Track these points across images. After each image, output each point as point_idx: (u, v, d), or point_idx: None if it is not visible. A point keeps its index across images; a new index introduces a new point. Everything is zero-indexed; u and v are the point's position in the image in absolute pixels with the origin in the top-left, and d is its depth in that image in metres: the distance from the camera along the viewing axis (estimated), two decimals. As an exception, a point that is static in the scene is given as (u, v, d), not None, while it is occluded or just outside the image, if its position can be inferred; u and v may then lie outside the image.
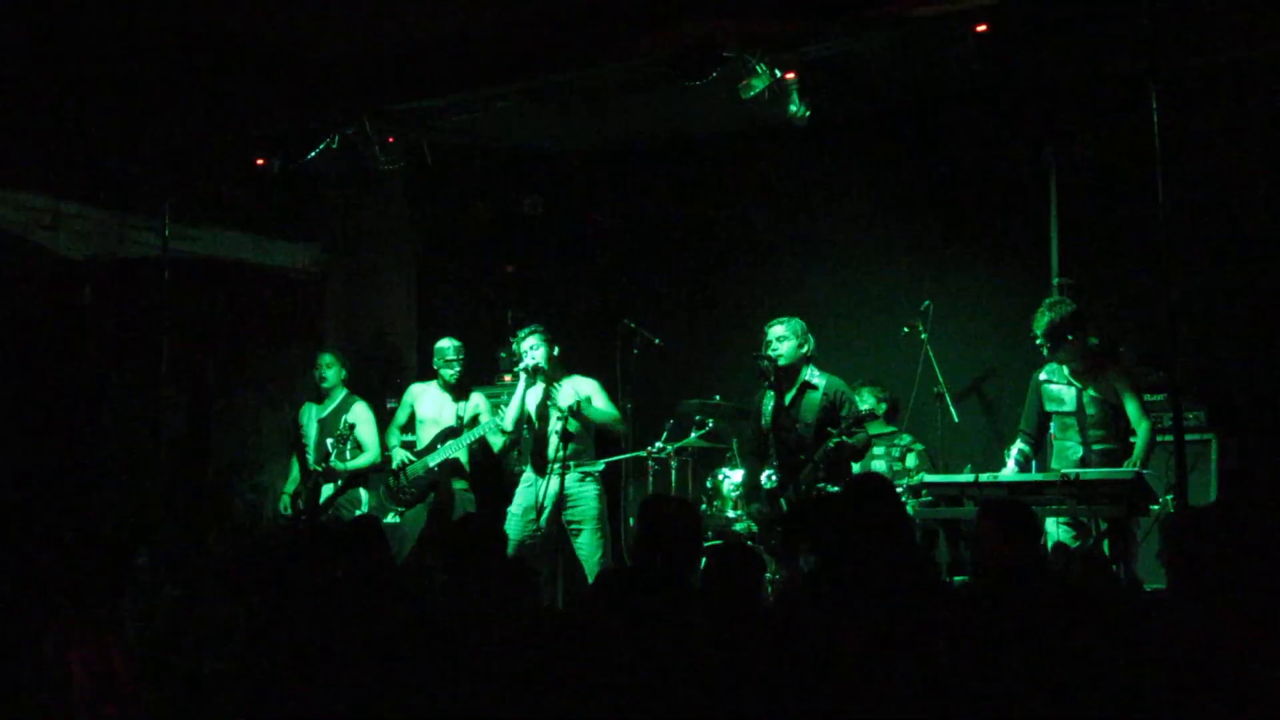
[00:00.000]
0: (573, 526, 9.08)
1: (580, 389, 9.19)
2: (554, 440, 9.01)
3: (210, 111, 10.12)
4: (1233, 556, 4.44)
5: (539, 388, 9.24)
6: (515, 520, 9.09)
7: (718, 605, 5.43)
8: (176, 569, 9.83)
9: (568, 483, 9.02)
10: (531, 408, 9.25)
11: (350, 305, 12.48)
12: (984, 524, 5.52)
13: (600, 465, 9.22)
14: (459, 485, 9.62)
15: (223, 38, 9.48)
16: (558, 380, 9.27)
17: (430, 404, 9.76)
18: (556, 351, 9.29)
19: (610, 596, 5.44)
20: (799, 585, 5.35)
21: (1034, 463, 8.26)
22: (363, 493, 9.89)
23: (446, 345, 9.74)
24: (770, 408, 8.60)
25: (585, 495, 9.09)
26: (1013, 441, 8.26)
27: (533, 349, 9.18)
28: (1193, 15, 8.30)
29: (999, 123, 9.99)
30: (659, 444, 9.85)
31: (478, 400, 9.80)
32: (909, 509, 8.90)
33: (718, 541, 9.06)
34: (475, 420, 9.64)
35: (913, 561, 4.97)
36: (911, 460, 9.82)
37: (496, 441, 9.49)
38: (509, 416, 9.21)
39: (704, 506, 9.70)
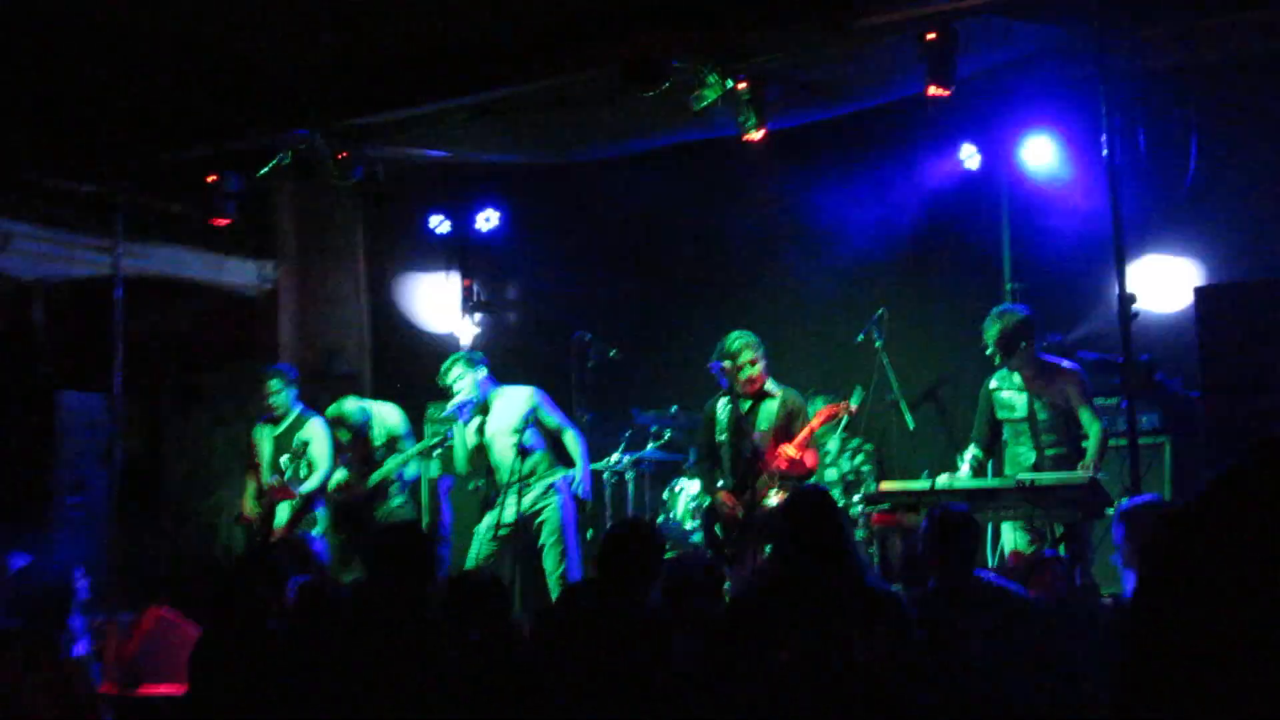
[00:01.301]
0: (539, 541, 9.03)
1: (518, 401, 9.12)
2: (509, 457, 8.96)
3: (162, 128, 10.05)
4: (1213, 558, 4.48)
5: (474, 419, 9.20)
6: (477, 537, 9.06)
7: (674, 620, 5.44)
8: (132, 591, 9.78)
9: (530, 498, 8.98)
10: (475, 438, 9.19)
11: (303, 322, 12.42)
12: (927, 529, 5.57)
13: (560, 473, 9.15)
14: (396, 502, 9.62)
15: (174, 52, 9.42)
16: (486, 404, 9.20)
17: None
18: (483, 373, 9.21)
19: (569, 614, 5.45)
20: (747, 595, 5.36)
21: (990, 468, 8.28)
22: (318, 514, 9.81)
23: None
24: (727, 416, 8.59)
25: (549, 507, 9.04)
26: (965, 448, 8.28)
27: (458, 380, 9.13)
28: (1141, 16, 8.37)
29: (948, 128, 10.03)
30: (616, 455, 9.84)
31: (381, 414, 9.80)
32: (864, 514, 8.95)
33: (674, 553, 9.07)
34: (393, 442, 9.68)
35: (852, 575, 5.00)
36: (846, 465, 9.79)
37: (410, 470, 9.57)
38: (458, 461, 9.21)
39: (661, 518, 9.70)
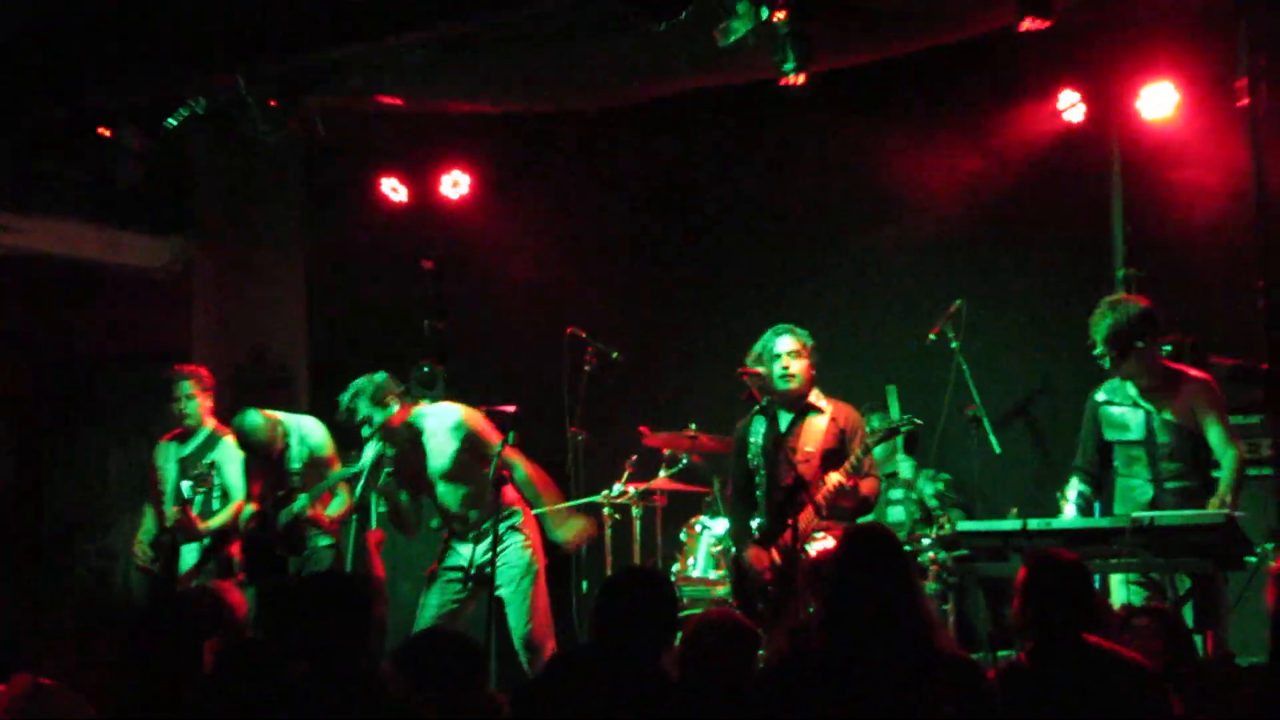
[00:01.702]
0: (499, 594, 8.96)
1: (446, 445, 9.06)
2: (452, 500, 8.96)
3: (42, 70, 10.01)
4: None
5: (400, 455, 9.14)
6: (436, 587, 9.00)
7: (699, 694, 5.39)
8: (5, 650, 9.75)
9: (485, 545, 8.90)
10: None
11: (223, 311, 12.39)
12: (1024, 583, 5.51)
13: (517, 515, 9.05)
14: (321, 542, 9.63)
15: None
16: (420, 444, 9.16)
17: None
18: (392, 405, 9.15)
19: (558, 689, 5.39)
20: (786, 662, 5.31)
21: (1097, 506, 8.23)
22: (235, 559, 9.76)
23: None
24: (762, 437, 8.53)
25: (507, 553, 8.92)
26: (1067, 480, 8.23)
27: (369, 427, 9.09)
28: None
29: (1045, 70, 9.99)
30: (618, 486, 9.78)
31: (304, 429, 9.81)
32: (938, 562, 8.91)
33: (695, 610, 9.00)
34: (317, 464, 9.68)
35: (919, 638, 4.95)
36: (929, 490, 9.72)
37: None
38: (396, 521, 9.22)
39: (675, 565, 9.65)
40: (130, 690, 6.01)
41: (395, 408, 9.00)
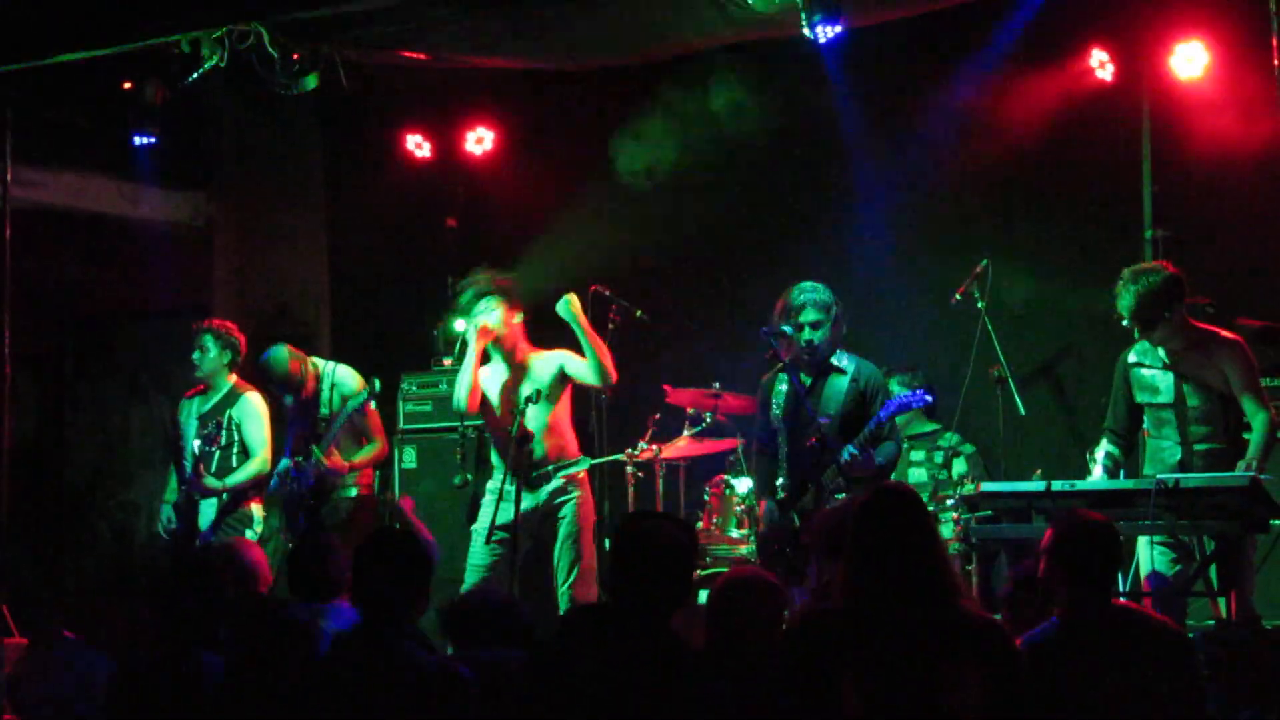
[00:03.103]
0: (552, 545, 9.00)
1: (549, 366, 9.06)
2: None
3: (60, 19, 9.98)
4: None
5: (499, 365, 9.10)
6: (480, 543, 9.00)
7: (726, 656, 5.35)
8: (24, 610, 9.77)
9: (544, 491, 8.96)
10: (492, 391, 9.11)
11: (244, 268, 12.37)
12: (1051, 545, 5.48)
13: (584, 463, 9.13)
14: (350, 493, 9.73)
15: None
16: (525, 358, 9.13)
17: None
18: (519, 319, 9.16)
19: (575, 643, 5.35)
20: (808, 623, 5.24)
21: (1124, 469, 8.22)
22: (255, 510, 9.76)
23: None
24: (783, 397, 8.52)
25: (566, 507, 9.00)
26: (1097, 441, 8.20)
27: (485, 312, 9.04)
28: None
29: (1074, 28, 9.93)
30: (642, 445, 9.78)
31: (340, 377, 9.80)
32: (961, 523, 8.89)
33: (720, 569, 9.00)
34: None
35: (943, 599, 4.91)
36: (959, 467, 9.76)
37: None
38: (460, 390, 9.08)
39: (699, 524, 9.65)
40: (150, 648, 6.01)
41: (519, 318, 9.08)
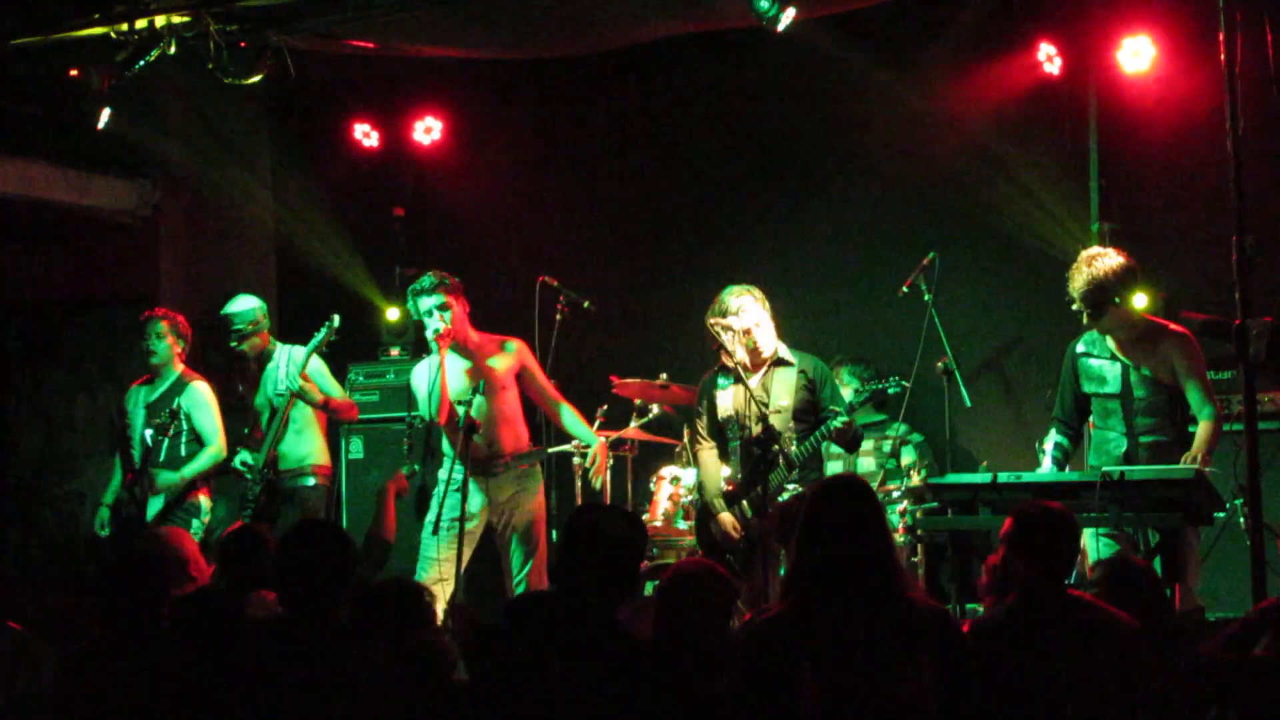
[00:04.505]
0: (511, 535, 9.00)
1: (504, 358, 9.04)
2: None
3: (3, 7, 9.91)
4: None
5: (451, 357, 9.03)
6: (428, 534, 8.95)
7: (675, 647, 5.34)
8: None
9: (503, 481, 8.96)
10: (459, 387, 9.07)
11: (191, 257, 12.32)
12: (1010, 533, 5.48)
13: (539, 455, 9.16)
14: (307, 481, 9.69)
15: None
16: (476, 348, 9.08)
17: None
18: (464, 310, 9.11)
19: (520, 629, 5.35)
20: (761, 615, 5.24)
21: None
22: (202, 500, 9.70)
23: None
24: (729, 392, 8.51)
25: (523, 497, 9.00)
26: (1045, 433, 8.22)
27: (438, 312, 8.97)
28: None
29: (1021, 21, 9.95)
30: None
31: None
32: (908, 517, 8.92)
33: (667, 561, 9.00)
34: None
35: (894, 589, 4.91)
36: (908, 455, 9.78)
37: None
38: (431, 405, 9.04)
39: (645, 516, 9.64)
40: (92, 638, 5.97)
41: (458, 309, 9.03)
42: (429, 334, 9.01)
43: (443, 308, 8.95)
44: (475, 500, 8.86)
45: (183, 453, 9.60)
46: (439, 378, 8.89)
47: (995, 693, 5.02)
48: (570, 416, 9.17)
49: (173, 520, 9.46)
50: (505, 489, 9.00)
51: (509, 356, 9.05)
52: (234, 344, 9.77)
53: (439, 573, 8.77)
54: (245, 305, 9.82)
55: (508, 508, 9.02)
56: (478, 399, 8.80)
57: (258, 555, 6.58)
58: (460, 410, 8.75)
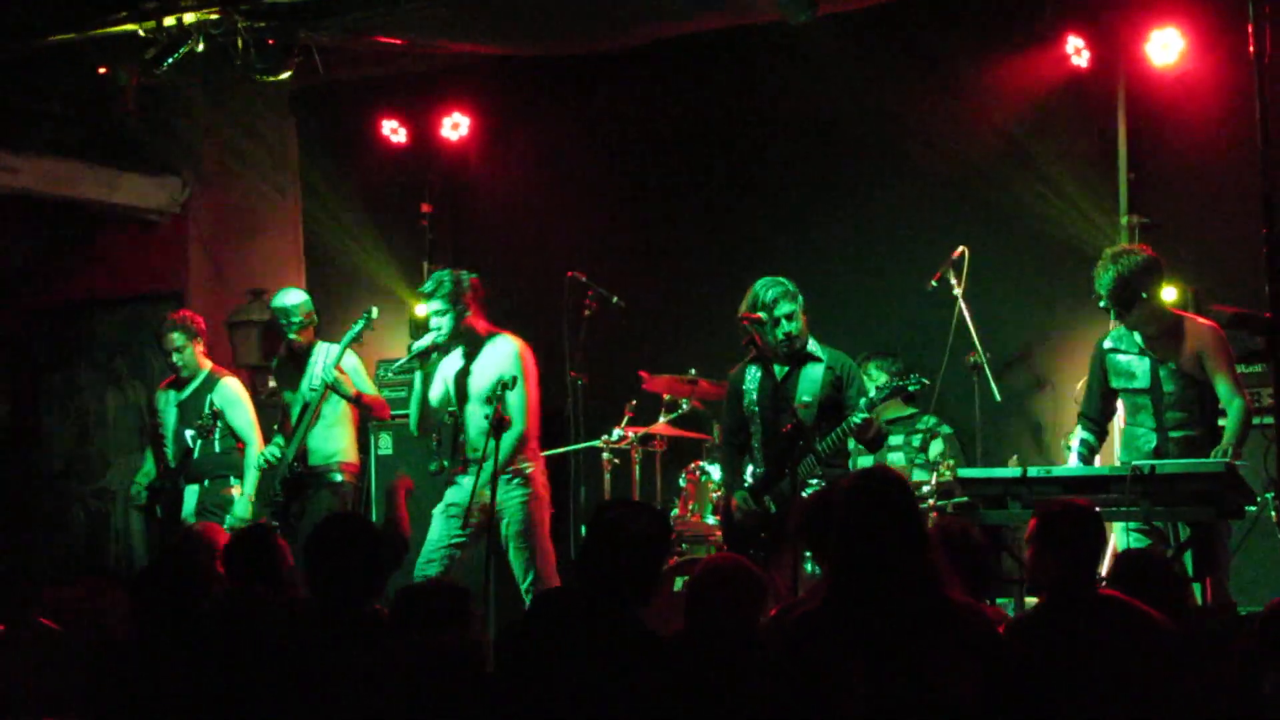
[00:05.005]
0: (506, 534, 8.94)
1: (503, 363, 8.91)
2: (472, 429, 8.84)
3: (35, 5, 9.94)
4: None
5: (455, 357, 9.00)
6: (437, 521, 8.92)
7: (704, 643, 5.32)
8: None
9: (486, 476, 8.81)
10: (450, 386, 9.02)
11: (221, 256, 12.35)
12: (1035, 532, 5.47)
13: (527, 465, 8.91)
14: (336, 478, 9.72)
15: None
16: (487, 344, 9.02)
17: None
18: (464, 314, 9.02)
19: (542, 628, 5.35)
20: (792, 611, 5.22)
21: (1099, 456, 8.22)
22: (235, 495, 9.71)
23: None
24: (758, 385, 8.52)
25: (510, 502, 8.86)
26: (1072, 428, 8.20)
27: (437, 315, 8.92)
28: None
29: (1050, 15, 9.94)
30: (618, 431, 9.76)
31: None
32: (937, 511, 8.91)
33: (696, 556, 9.00)
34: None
35: (929, 585, 4.88)
36: (936, 447, 9.77)
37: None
38: (411, 419, 9.05)
39: (675, 511, 9.64)
40: (132, 635, 6.01)
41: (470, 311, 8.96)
42: (415, 345, 9.06)
43: (440, 313, 8.91)
44: (464, 490, 8.75)
45: (217, 449, 9.64)
46: (436, 380, 8.96)
47: (1031, 693, 5.00)
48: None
49: (206, 516, 9.51)
50: (489, 493, 8.79)
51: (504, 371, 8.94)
52: (292, 335, 9.81)
53: (434, 559, 8.76)
54: (297, 298, 9.86)
55: (499, 513, 8.84)
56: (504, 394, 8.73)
57: (263, 558, 6.57)
58: (488, 410, 8.65)
